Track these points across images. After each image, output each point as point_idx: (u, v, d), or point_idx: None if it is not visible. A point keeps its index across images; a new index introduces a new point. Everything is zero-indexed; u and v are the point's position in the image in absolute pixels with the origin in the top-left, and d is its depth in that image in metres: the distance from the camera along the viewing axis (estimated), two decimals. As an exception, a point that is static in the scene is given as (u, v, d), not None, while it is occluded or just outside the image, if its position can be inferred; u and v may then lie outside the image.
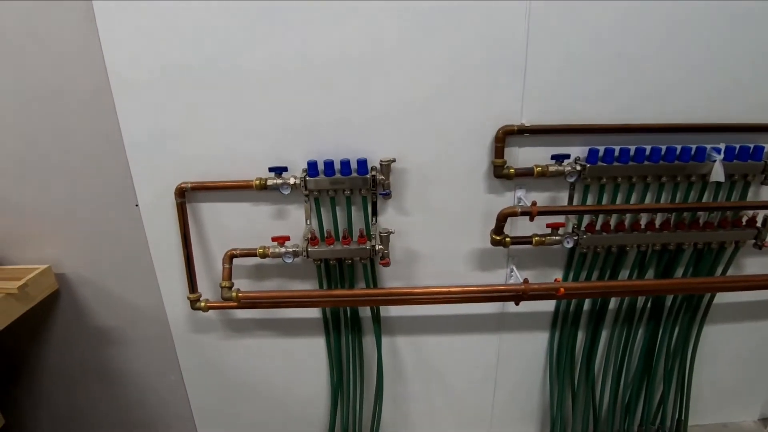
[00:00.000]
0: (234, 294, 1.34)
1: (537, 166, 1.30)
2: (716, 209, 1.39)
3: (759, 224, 1.38)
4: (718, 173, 1.31)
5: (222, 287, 1.35)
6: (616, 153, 1.31)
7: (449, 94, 1.26)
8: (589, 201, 1.38)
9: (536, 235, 1.35)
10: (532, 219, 1.28)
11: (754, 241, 1.39)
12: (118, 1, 1.15)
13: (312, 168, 1.28)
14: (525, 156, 1.34)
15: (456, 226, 1.42)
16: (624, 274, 1.48)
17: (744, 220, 1.39)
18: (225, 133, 1.29)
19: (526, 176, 1.32)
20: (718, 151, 1.30)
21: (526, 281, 1.33)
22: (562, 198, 1.39)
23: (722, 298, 1.56)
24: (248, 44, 1.20)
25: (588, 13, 1.20)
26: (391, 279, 1.48)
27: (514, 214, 1.28)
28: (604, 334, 1.59)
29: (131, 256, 1.45)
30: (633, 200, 1.39)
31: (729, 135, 1.33)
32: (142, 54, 1.21)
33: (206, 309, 1.42)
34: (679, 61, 1.26)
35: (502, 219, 1.29)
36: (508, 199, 1.39)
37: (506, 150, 1.30)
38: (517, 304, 1.39)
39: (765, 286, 1.42)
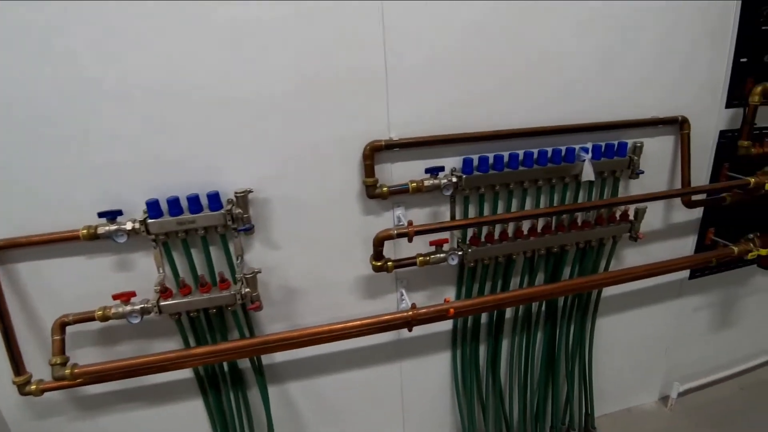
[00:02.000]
0: (68, 371, 1.09)
1: (412, 182, 1.21)
2: (591, 208, 1.39)
3: (631, 217, 1.42)
4: (588, 173, 1.31)
5: (52, 365, 1.09)
6: (491, 161, 1.26)
7: (305, 110, 1.13)
8: (471, 212, 1.32)
9: (420, 255, 1.26)
10: (410, 240, 1.19)
11: (629, 233, 1.43)
12: None
13: (153, 208, 1.08)
14: (399, 172, 1.25)
15: (335, 253, 1.28)
16: (516, 281, 1.45)
17: (618, 215, 1.42)
18: (42, 175, 1.05)
19: (401, 194, 1.22)
20: (586, 150, 1.31)
21: (413, 306, 1.23)
22: (445, 212, 1.32)
23: (608, 291, 1.59)
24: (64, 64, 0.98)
25: (443, 14, 1.13)
26: (270, 322, 1.31)
27: (390, 237, 1.17)
28: (505, 344, 1.55)
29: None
30: (514, 207, 1.36)
31: (596, 134, 1.34)
32: None
33: (39, 392, 1.15)
34: (542, 62, 1.24)
35: (378, 244, 1.18)
36: (387, 219, 1.28)
37: (377, 167, 1.20)
38: (410, 330, 1.28)
39: (642, 276, 1.45)
